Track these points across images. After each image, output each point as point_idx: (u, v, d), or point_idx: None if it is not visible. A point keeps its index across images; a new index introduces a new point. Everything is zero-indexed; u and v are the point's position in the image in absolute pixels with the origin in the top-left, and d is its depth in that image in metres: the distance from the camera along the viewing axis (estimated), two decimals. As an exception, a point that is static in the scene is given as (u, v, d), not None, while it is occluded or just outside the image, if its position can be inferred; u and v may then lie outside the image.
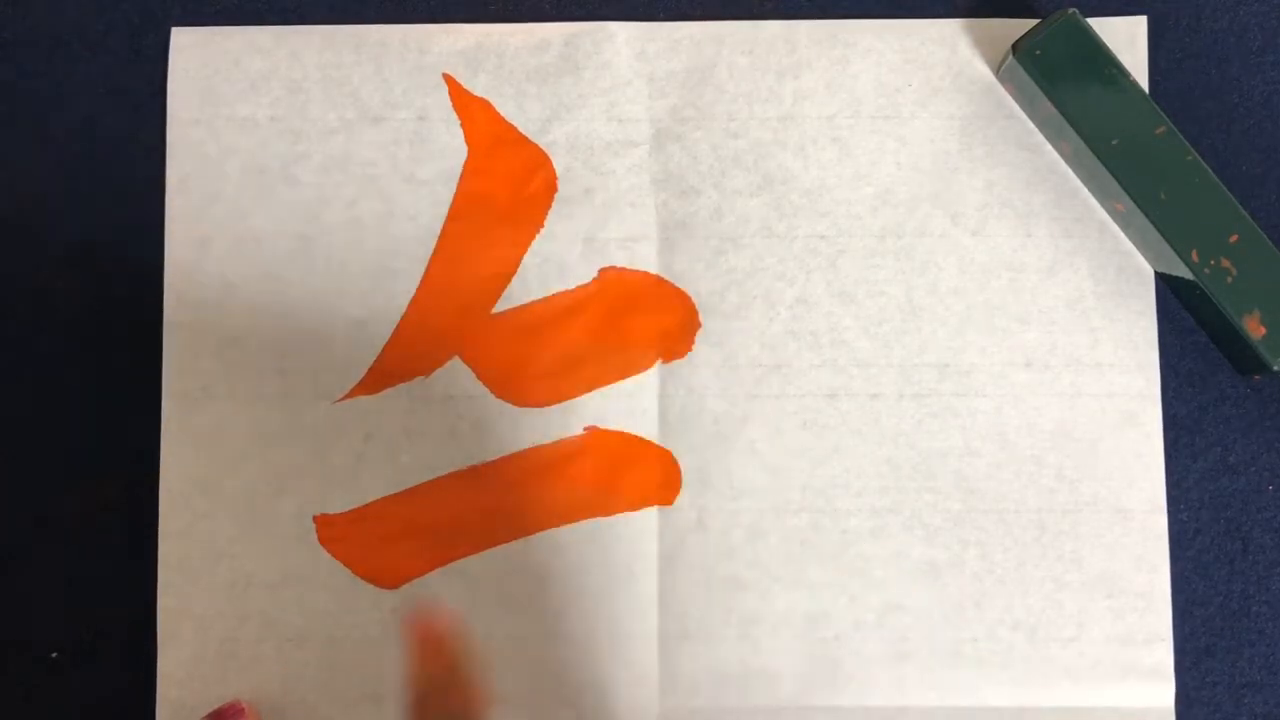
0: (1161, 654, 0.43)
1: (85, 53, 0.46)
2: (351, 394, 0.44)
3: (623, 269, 0.44)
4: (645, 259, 0.44)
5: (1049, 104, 0.43)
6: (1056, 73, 0.42)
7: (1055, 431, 0.44)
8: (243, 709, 0.41)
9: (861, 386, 0.44)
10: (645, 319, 0.44)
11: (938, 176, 0.45)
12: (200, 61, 0.45)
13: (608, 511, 0.44)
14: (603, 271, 0.45)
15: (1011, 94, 0.45)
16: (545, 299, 0.44)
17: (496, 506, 0.44)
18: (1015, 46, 0.43)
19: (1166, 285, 0.44)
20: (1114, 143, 0.42)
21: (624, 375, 0.44)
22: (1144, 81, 0.45)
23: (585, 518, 0.44)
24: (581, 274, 0.45)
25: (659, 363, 0.44)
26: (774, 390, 0.44)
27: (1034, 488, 0.44)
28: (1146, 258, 0.44)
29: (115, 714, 0.44)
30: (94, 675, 0.44)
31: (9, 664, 0.44)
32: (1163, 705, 0.43)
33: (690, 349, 0.44)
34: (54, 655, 0.44)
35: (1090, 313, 0.44)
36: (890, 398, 0.44)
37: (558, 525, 0.44)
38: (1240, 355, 0.43)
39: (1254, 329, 0.42)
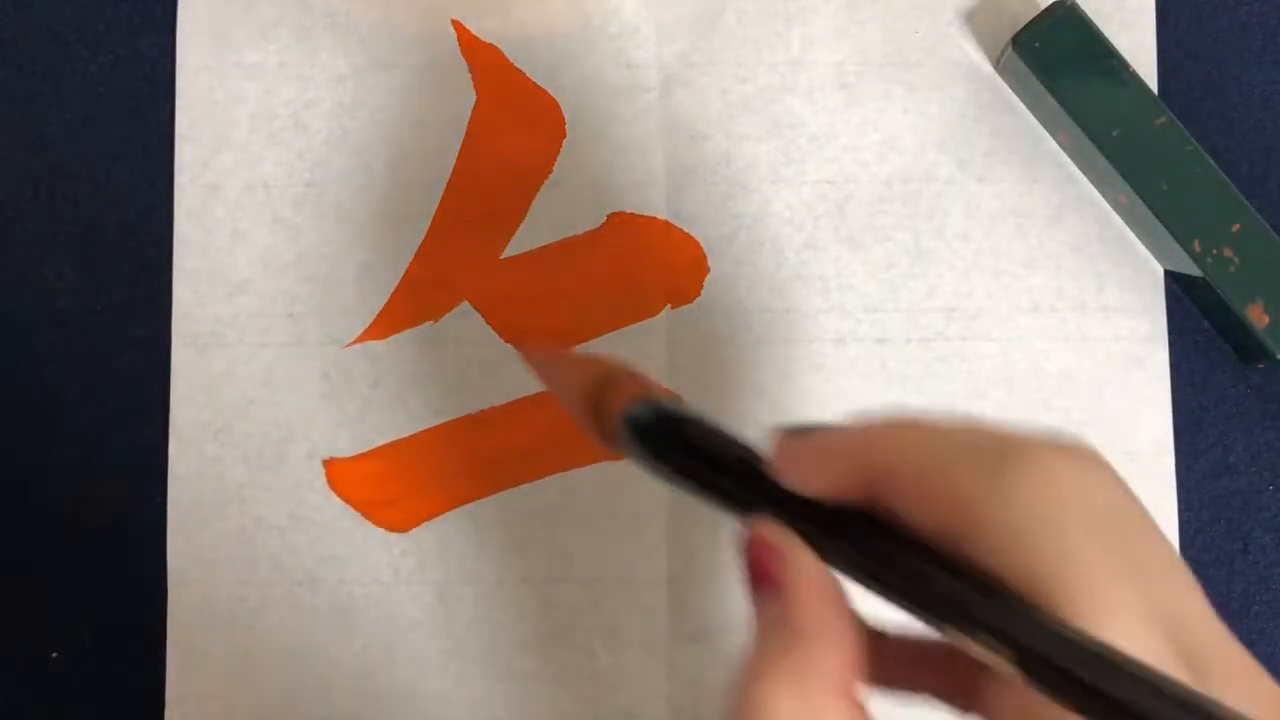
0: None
1: (85, 53, 0.45)
2: (361, 339, 0.44)
3: (631, 214, 0.45)
4: (654, 204, 0.45)
5: (1049, 96, 0.43)
6: (1056, 66, 0.42)
7: (1061, 375, 0.44)
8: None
9: (869, 331, 0.44)
10: (653, 264, 0.44)
11: (944, 123, 0.45)
12: (210, 8, 0.45)
13: (618, 456, 0.44)
14: (611, 217, 0.45)
15: (1010, 85, 0.45)
16: (553, 244, 0.45)
17: (506, 451, 0.44)
18: (1014, 40, 0.43)
19: (1177, 285, 0.45)
20: (1114, 134, 0.42)
21: (632, 320, 0.44)
22: (1152, 63, 0.45)
23: (595, 462, 0.44)
24: (590, 219, 0.45)
25: (667, 308, 0.44)
26: (782, 335, 0.44)
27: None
28: (1154, 254, 0.44)
29: (125, 660, 0.44)
30: (100, 640, 0.44)
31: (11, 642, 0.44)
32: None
33: (699, 294, 0.44)
34: (54, 656, 0.44)
35: (1096, 257, 0.44)
36: (897, 342, 0.44)
37: (567, 469, 0.44)
38: (1244, 345, 0.43)
39: (1257, 318, 0.42)
